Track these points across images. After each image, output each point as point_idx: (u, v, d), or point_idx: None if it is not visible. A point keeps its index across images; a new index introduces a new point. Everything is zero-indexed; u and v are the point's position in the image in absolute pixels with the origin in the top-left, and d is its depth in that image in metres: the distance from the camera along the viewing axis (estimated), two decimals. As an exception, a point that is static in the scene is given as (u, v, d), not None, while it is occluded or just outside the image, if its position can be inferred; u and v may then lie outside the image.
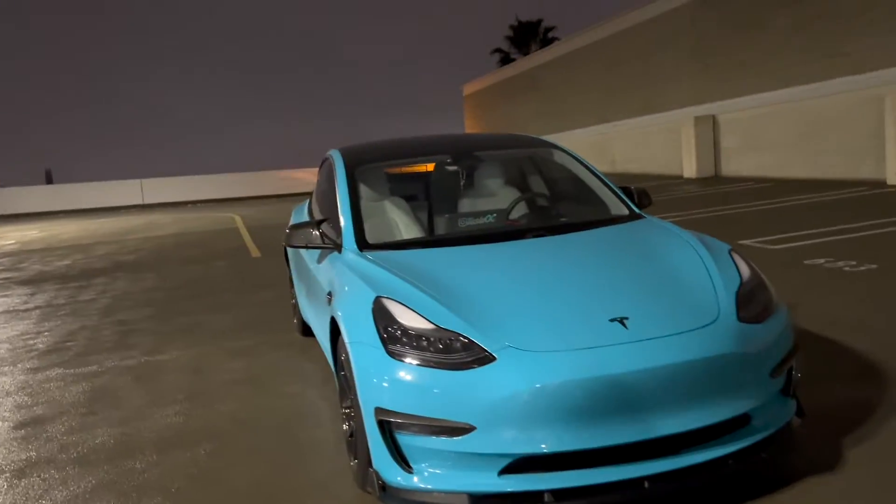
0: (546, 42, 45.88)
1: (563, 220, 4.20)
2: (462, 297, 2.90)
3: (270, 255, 11.48)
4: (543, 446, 2.52)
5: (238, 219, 20.20)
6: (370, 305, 2.91)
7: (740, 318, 2.82)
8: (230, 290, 8.42)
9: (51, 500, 3.30)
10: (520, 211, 4.22)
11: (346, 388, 3.24)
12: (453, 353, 2.65)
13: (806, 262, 7.02)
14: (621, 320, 2.71)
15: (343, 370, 3.23)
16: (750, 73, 17.49)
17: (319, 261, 4.02)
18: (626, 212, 4.01)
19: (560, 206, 4.44)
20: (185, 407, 4.43)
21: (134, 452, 3.78)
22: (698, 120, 19.02)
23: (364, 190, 4.15)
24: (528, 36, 47.60)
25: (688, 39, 20.03)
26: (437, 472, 2.65)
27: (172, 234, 16.81)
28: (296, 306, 5.83)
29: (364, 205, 3.96)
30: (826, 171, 15.25)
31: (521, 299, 2.92)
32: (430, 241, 3.72)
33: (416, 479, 2.66)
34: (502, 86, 35.02)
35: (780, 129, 16.70)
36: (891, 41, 13.43)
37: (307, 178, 39.69)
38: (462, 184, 4.38)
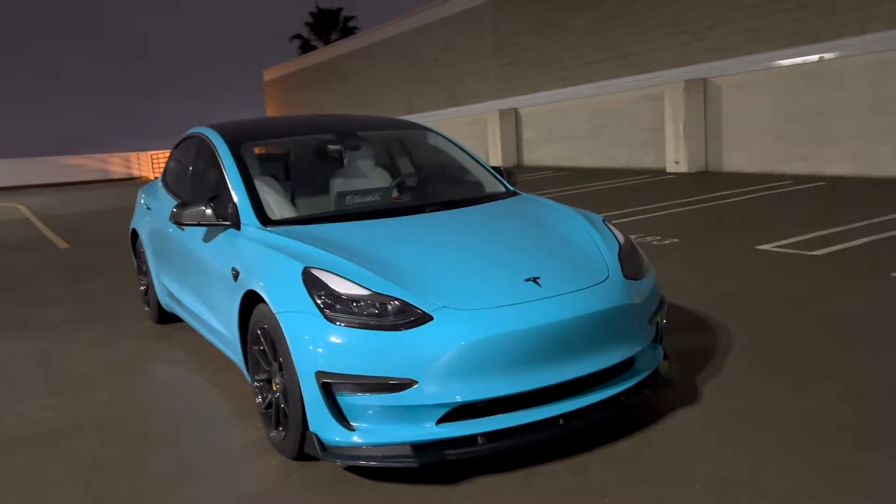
0: (347, 31, 45.96)
1: (451, 196, 4.46)
2: (387, 265, 3.09)
3: (82, 246, 10.66)
4: (478, 394, 2.80)
5: (24, 208, 18.29)
6: (299, 276, 3.01)
7: (625, 276, 3.29)
8: (51, 283, 7.76)
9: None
10: (405, 188, 4.45)
11: (263, 360, 3.29)
12: (390, 315, 2.84)
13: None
14: (534, 279, 3.07)
15: (259, 344, 3.28)
16: (549, 70, 18.93)
17: (208, 239, 3.96)
18: (503, 189, 4.39)
19: (442, 184, 4.72)
20: (51, 401, 4.14)
21: (10, 448, 3.52)
22: (503, 113, 20.24)
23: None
24: (328, 24, 47.34)
25: (491, 36, 21.18)
26: (378, 427, 2.83)
27: (-55, 227, 14.87)
28: (148, 293, 5.60)
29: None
30: (613, 161, 16.99)
31: (444, 266, 3.17)
32: (333, 216, 3.81)
33: (357, 436, 2.83)
34: (306, 73, 34.57)
35: (574, 123, 18.29)
36: (669, 44, 15.27)
37: (93, 164, 36.78)
38: (345, 163, 4.51)
